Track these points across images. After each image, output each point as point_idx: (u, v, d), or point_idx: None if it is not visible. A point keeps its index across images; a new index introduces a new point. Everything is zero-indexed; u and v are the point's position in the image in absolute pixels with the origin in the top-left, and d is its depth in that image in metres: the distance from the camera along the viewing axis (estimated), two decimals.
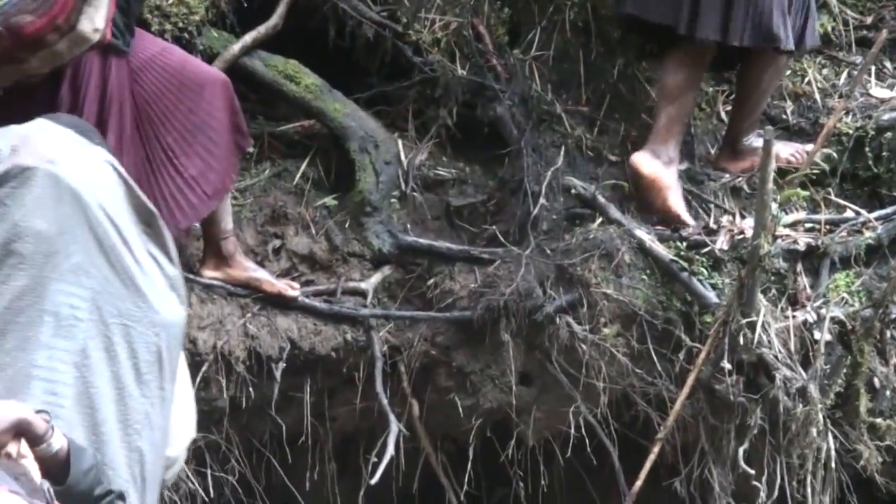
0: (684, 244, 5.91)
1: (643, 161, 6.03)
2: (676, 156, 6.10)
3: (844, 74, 6.76)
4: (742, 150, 6.31)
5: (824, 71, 6.85)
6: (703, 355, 5.69)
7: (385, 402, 5.75)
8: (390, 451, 5.66)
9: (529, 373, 5.95)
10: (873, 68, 6.67)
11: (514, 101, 6.13)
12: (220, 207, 5.38)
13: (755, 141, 6.19)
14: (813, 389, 5.62)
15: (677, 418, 5.77)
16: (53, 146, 4.04)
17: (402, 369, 5.88)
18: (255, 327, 5.53)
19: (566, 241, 5.92)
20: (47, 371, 3.80)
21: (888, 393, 5.84)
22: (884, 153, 6.32)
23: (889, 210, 6.16)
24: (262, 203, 5.91)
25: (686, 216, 6.05)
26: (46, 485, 3.03)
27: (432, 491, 6.24)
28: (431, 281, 5.89)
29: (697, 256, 5.89)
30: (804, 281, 5.94)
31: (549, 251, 5.88)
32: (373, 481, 5.65)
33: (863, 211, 6.15)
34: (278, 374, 5.58)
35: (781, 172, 6.00)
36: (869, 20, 6.93)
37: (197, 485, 5.54)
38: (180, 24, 5.74)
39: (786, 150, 6.24)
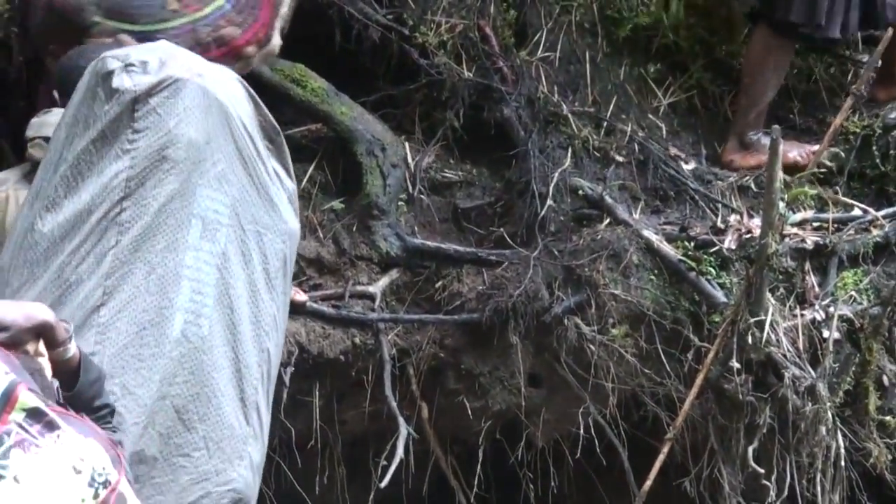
0: (692, 244, 5.92)
1: (734, 157, 6.24)
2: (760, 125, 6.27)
3: (851, 73, 6.77)
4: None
5: (831, 69, 6.86)
6: (711, 355, 5.69)
7: (394, 405, 5.76)
8: (400, 453, 5.67)
9: (538, 374, 5.96)
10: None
11: (520, 102, 6.14)
12: None
13: (763, 138, 6.20)
14: (822, 388, 5.62)
15: (686, 418, 5.77)
16: (199, 61, 4.25)
17: (410, 372, 5.89)
18: None
19: (574, 242, 5.92)
20: (194, 271, 4.05)
21: None
22: (891, 151, 6.33)
23: None
24: None
25: (799, 155, 6.22)
26: (56, 384, 3.14)
27: (442, 493, 6.24)
28: (439, 283, 5.90)
29: (705, 256, 5.90)
30: (812, 279, 5.94)
31: (556, 252, 5.89)
32: (382, 484, 5.67)
33: (870, 209, 6.16)
34: (287, 379, 5.57)
35: (789, 171, 6.02)
36: None
37: None
38: None
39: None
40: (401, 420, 5.74)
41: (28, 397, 2.83)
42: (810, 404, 5.63)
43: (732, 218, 6.09)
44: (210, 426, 4.06)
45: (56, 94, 4.69)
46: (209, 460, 4.06)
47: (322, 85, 5.96)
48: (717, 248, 5.91)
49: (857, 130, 6.40)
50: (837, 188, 6.31)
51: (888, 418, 5.82)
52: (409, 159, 6.07)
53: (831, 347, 5.69)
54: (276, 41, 5.04)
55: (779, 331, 5.68)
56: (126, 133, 4.04)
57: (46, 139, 4.46)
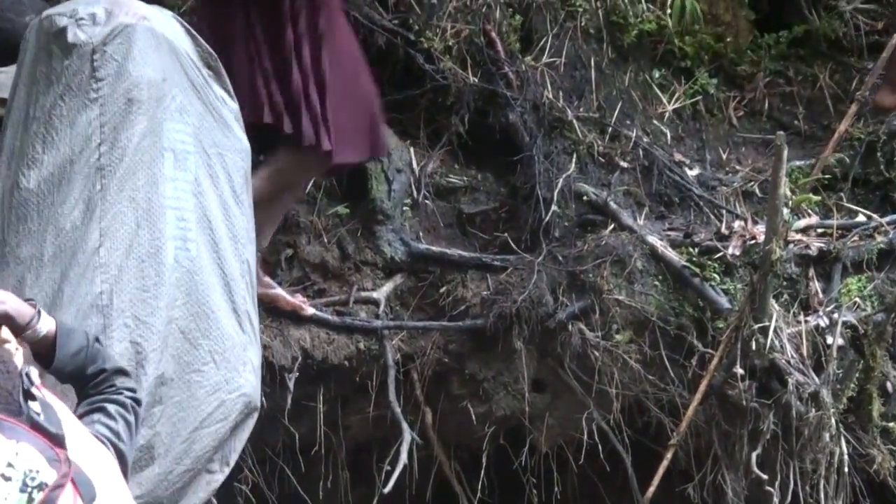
0: (696, 250, 5.92)
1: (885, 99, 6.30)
2: None
3: (856, 79, 6.77)
4: None
5: (836, 76, 6.86)
6: (715, 361, 5.70)
7: (398, 410, 5.76)
8: (403, 459, 5.68)
9: (542, 380, 5.96)
10: None
11: (525, 108, 6.15)
12: (267, 222, 5.36)
13: None
14: (825, 394, 5.62)
15: (690, 424, 5.78)
16: (140, 5, 4.53)
17: (414, 377, 5.89)
18: (268, 337, 5.53)
19: (578, 247, 5.93)
20: (175, 200, 4.39)
21: None
22: (895, 158, 6.32)
23: None
24: None
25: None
26: (27, 369, 3.12)
27: (446, 499, 6.25)
28: (444, 289, 5.90)
29: (709, 262, 5.90)
30: (816, 286, 5.94)
31: (561, 258, 5.89)
32: (386, 489, 5.67)
33: (874, 215, 6.16)
34: (291, 384, 5.58)
35: (793, 177, 6.03)
36: (880, 25, 6.93)
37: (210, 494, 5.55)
38: None
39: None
40: (405, 425, 5.75)
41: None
42: (814, 410, 5.63)
43: (737, 224, 6.09)
44: (213, 340, 4.42)
45: None
46: (218, 372, 4.42)
47: None
48: (721, 254, 5.92)
49: (862, 136, 6.40)
50: (842, 194, 6.31)
51: (892, 425, 5.82)
52: (414, 164, 6.08)
53: (835, 354, 5.69)
54: None
55: (783, 337, 5.68)
56: (90, 83, 4.35)
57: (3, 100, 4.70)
